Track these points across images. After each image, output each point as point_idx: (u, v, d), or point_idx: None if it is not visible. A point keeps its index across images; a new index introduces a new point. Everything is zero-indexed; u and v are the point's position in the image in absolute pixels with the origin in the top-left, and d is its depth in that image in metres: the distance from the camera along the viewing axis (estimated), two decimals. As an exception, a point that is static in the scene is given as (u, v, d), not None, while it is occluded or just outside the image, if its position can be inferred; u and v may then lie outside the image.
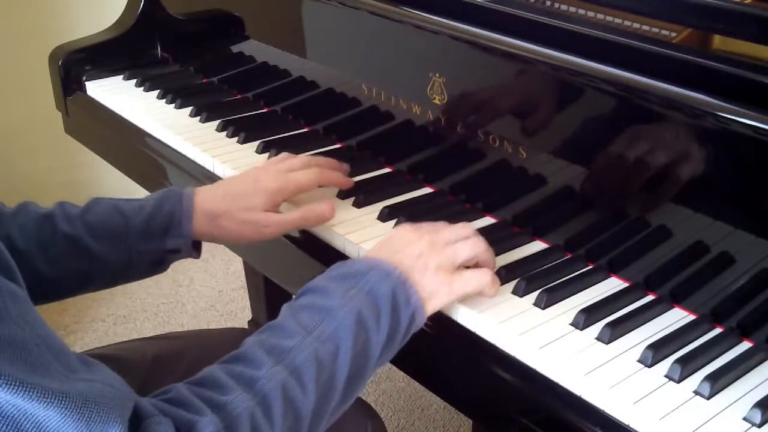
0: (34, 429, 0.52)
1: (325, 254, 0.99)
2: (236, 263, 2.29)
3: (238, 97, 1.40)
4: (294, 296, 0.79)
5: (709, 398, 0.74)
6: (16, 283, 0.57)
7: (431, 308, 0.81)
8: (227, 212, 0.94)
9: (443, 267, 0.81)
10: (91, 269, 0.92)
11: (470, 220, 1.01)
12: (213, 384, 0.66)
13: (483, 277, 0.83)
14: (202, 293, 2.24)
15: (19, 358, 0.53)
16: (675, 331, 0.82)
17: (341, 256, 0.97)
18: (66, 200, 0.95)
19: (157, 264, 0.96)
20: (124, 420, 0.56)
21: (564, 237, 0.95)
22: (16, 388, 0.52)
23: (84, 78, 1.46)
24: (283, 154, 1.06)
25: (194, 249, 0.98)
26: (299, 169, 1.00)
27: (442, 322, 0.86)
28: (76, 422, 0.53)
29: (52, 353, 0.56)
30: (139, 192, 1.42)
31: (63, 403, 0.53)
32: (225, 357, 0.71)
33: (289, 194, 0.99)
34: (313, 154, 1.17)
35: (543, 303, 0.85)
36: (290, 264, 1.06)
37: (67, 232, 0.90)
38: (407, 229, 0.85)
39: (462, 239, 0.84)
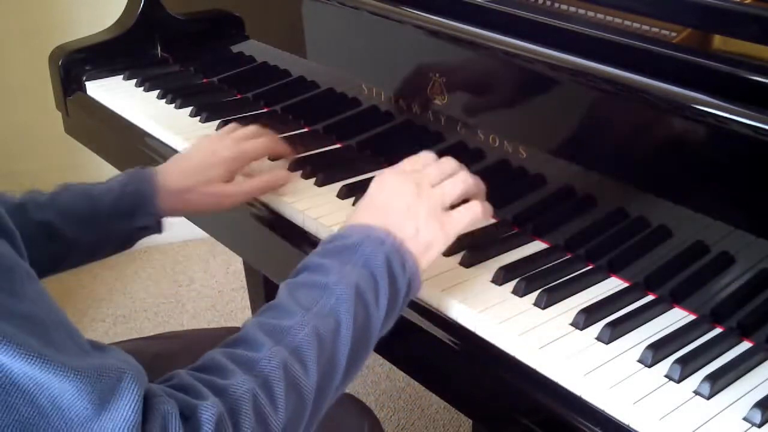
0: (49, 403, 0.52)
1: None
2: (236, 263, 2.29)
3: (238, 97, 1.40)
4: (291, 274, 0.78)
5: (709, 398, 0.74)
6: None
7: (429, 259, 0.80)
8: (189, 187, 0.99)
9: (433, 212, 0.81)
10: (63, 252, 0.95)
11: (470, 220, 1.01)
12: (214, 368, 0.66)
13: (474, 210, 0.83)
14: (202, 293, 2.24)
15: (37, 333, 0.53)
16: (675, 331, 0.82)
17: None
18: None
19: (125, 242, 1.00)
20: (137, 394, 0.56)
21: (564, 237, 0.95)
22: (33, 358, 0.52)
23: (84, 78, 1.46)
24: (233, 125, 1.11)
25: (160, 225, 1.02)
26: (252, 137, 1.06)
27: (442, 321, 0.86)
28: (90, 395, 0.53)
29: (68, 333, 0.57)
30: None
31: (78, 377, 0.53)
32: (225, 341, 0.71)
33: (245, 162, 1.04)
34: (314, 154, 1.17)
35: (543, 303, 0.85)
36: (290, 264, 1.05)
37: (39, 220, 0.92)
38: (390, 176, 0.83)
39: (448, 176, 0.83)
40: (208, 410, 0.60)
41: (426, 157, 0.87)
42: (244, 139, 1.05)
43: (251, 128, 1.08)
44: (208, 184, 1.00)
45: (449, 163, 0.86)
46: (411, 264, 0.78)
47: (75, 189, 0.97)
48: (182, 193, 0.99)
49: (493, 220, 0.86)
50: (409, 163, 0.86)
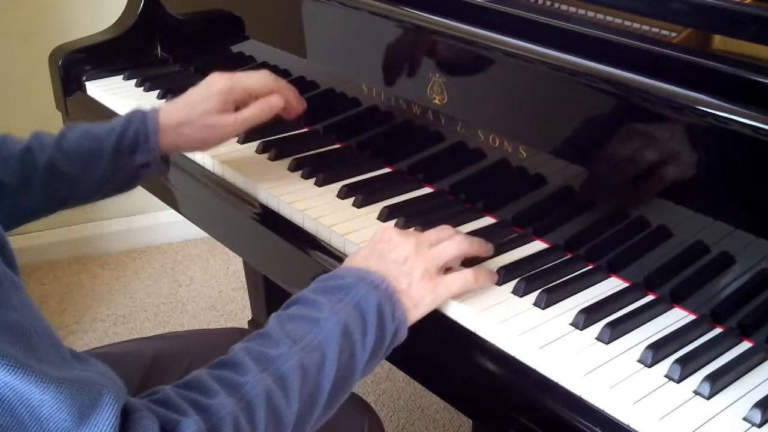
0: (28, 414, 0.52)
1: (324, 254, 0.99)
2: (236, 263, 2.29)
3: (238, 97, 1.39)
4: (283, 306, 0.79)
5: (709, 398, 0.74)
6: (17, 274, 0.58)
7: (416, 316, 0.82)
8: (187, 120, 1.02)
9: (428, 271, 0.82)
10: (69, 191, 0.99)
11: (470, 221, 1.01)
12: (199, 387, 0.66)
13: (466, 278, 0.84)
14: (202, 293, 2.24)
15: (20, 342, 0.53)
16: (675, 331, 0.82)
17: (342, 256, 0.97)
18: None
19: (130, 180, 1.04)
20: (116, 410, 0.56)
21: (564, 237, 0.95)
22: (15, 368, 0.52)
23: (84, 78, 1.46)
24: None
25: (163, 163, 1.05)
26: (243, 73, 1.07)
27: (442, 321, 0.86)
28: (69, 407, 0.53)
29: (51, 343, 0.57)
30: (140, 195, 1.42)
31: (59, 388, 0.53)
32: (212, 362, 0.71)
33: (240, 93, 1.04)
34: (314, 154, 1.17)
35: (543, 303, 0.85)
36: (290, 264, 1.06)
37: (46, 161, 0.96)
38: (393, 232, 0.85)
39: (446, 239, 0.86)
40: (190, 427, 0.61)
41: (428, 231, 0.88)
42: (235, 73, 1.07)
43: (259, 71, 1.09)
44: (204, 116, 1.02)
45: (446, 228, 0.88)
46: (400, 314, 0.79)
47: (79, 129, 1.01)
48: (179, 126, 1.02)
49: (494, 283, 0.89)
50: (412, 229, 0.89)
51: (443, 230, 0.88)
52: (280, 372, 0.69)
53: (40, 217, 1.00)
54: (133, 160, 1.00)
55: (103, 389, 0.56)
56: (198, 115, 1.02)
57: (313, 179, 1.11)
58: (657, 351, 0.78)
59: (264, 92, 1.06)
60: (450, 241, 0.85)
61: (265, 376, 0.68)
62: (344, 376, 0.74)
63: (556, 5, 0.98)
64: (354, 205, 1.05)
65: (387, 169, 1.14)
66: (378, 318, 0.77)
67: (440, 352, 0.88)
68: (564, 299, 0.86)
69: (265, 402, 0.67)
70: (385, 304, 0.78)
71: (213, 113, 1.02)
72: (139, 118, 1.01)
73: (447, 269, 0.86)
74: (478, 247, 0.89)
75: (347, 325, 0.74)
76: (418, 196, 1.07)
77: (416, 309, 0.81)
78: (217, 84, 1.03)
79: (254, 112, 1.04)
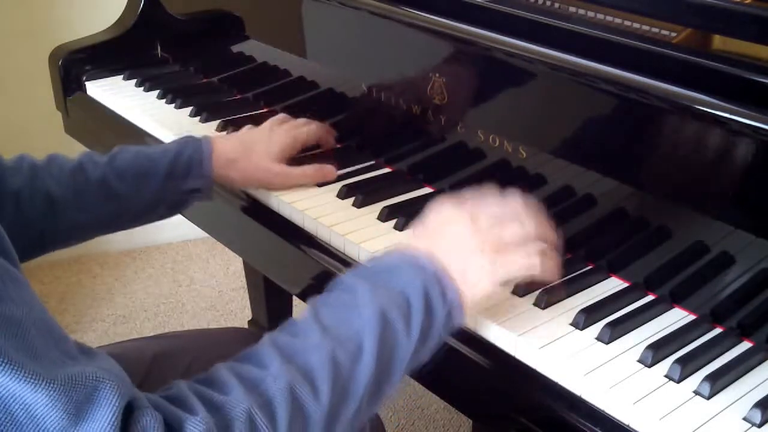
0: (23, 412, 0.52)
1: (324, 254, 0.99)
2: (236, 263, 2.29)
3: (238, 97, 1.39)
4: (323, 291, 0.74)
5: (709, 398, 0.74)
6: (17, 268, 0.57)
7: (475, 295, 0.75)
8: (244, 157, 1.05)
9: (485, 251, 0.75)
10: (118, 211, 1.00)
11: (470, 220, 1.01)
12: (215, 382, 0.63)
13: (530, 260, 0.76)
14: (202, 293, 2.24)
15: (14, 336, 0.52)
16: (675, 331, 0.82)
17: (342, 256, 0.97)
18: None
19: (177, 204, 1.04)
20: (116, 405, 0.54)
21: (564, 237, 0.95)
22: (5, 366, 0.51)
23: (84, 78, 1.46)
24: (282, 115, 1.16)
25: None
26: (302, 125, 1.13)
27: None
28: (65, 405, 0.52)
29: (52, 338, 0.56)
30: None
31: (51, 386, 0.52)
32: (237, 355, 0.67)
33: (297, 149, 1.10)
34: (313, 154, 1.17)
35: (543, 303, 0.85)
36: (289, 264, 1.06)
37: (97, 178, 0.97)
38: (447, 206, 0.79)
39: (510, 215, 0.78)
40: (196, 426, 0.58)
41: (491, 192, 0.82)
42: (296, 127, 1.12)
43: (301, 119, 1.15)
44: (261, 158, 1.05)
45: (513, 201, 0.80)
46: (452, 295, 0.73)
47: (132, 149, 1.01)
48: (234, 161, 1.04)
49: (557, 277, 0.81)
50: (471, 195, 0.80)
51: (509, 202, 0.79)
52: (308, 364, 0.64)
53: (89, 236, 1.01)
54: (184, 185, 1.01)
55: (100, 383, 0.54)
56: (255, 154, 1.05)
57: (313, 179, 1.11)
58: (657, 351, 0.78)
59: (315, 141, 1.14)
60: (513, 220, 0.77)
61: (290, 368, 0.64)
62: (386, 367, 0.69)
63: (556, 5, 0.98)
64: (354, 205, 1.04)
65: (387, 169, 1.14)
66: (425, 302, 0.70)
67: (440, 352, 0.88)
68: (564, 299, 0.86)
69: (289, 397, 0.62)
70: (432, 287, 0.71)
71: (270, 159, 1.06)
72: (194, 143, 1.02)
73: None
74: (547, 232, 0.79)
75: (388, 311, 0.69)
76: (418, 196, 1.07)
77: (473, 290, 0.74)
78: (278, 134, 1.08)
79: (306, 175, 1.08)
